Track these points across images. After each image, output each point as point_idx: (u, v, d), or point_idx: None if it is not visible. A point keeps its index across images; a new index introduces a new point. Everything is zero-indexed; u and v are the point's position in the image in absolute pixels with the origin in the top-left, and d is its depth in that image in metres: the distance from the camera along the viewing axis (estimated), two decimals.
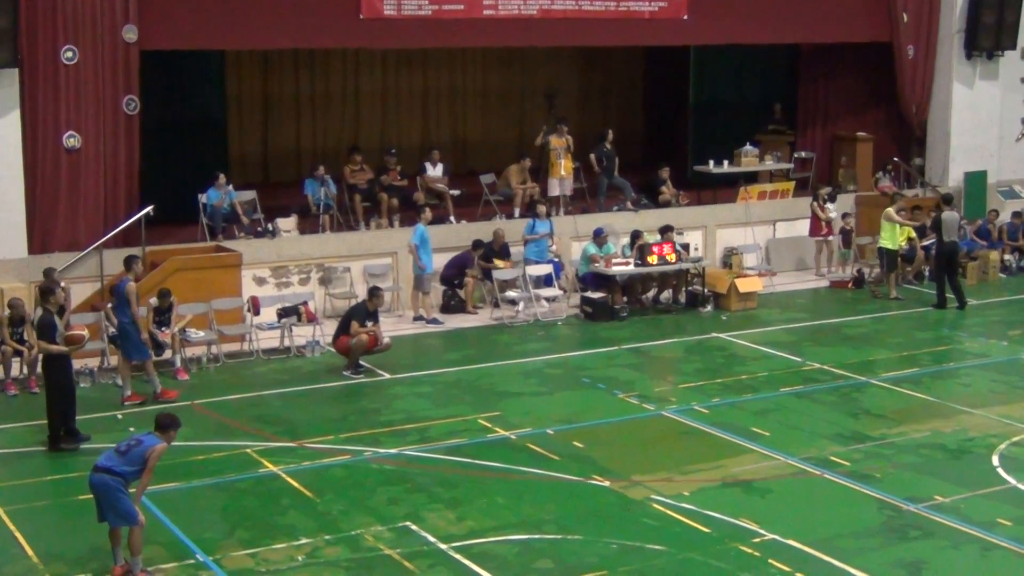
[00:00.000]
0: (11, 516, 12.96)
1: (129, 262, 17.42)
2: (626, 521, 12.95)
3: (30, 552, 12.13)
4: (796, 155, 27.76)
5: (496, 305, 21.82)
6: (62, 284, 17.97)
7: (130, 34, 20.09)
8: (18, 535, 12.50)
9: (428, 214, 21.57)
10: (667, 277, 22.62)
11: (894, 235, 23.13)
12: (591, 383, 17.88)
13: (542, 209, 21.73)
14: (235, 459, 14.74)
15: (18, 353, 17.40)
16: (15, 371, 17.57)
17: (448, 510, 13.14)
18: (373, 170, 23.56)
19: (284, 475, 14.18)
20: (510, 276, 22.00)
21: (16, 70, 19.01)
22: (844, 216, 25.20)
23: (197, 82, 23.47)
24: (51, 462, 14.75)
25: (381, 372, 18.40)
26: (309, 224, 22.31)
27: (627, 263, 22.09)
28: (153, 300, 18.39)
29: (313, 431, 15.75)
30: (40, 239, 19.75)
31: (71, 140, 19.79)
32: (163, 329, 18.25)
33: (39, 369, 16.59)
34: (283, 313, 19.84)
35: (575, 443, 15.24)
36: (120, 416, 16.30)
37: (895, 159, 27.22)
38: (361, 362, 18.43)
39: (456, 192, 23.78)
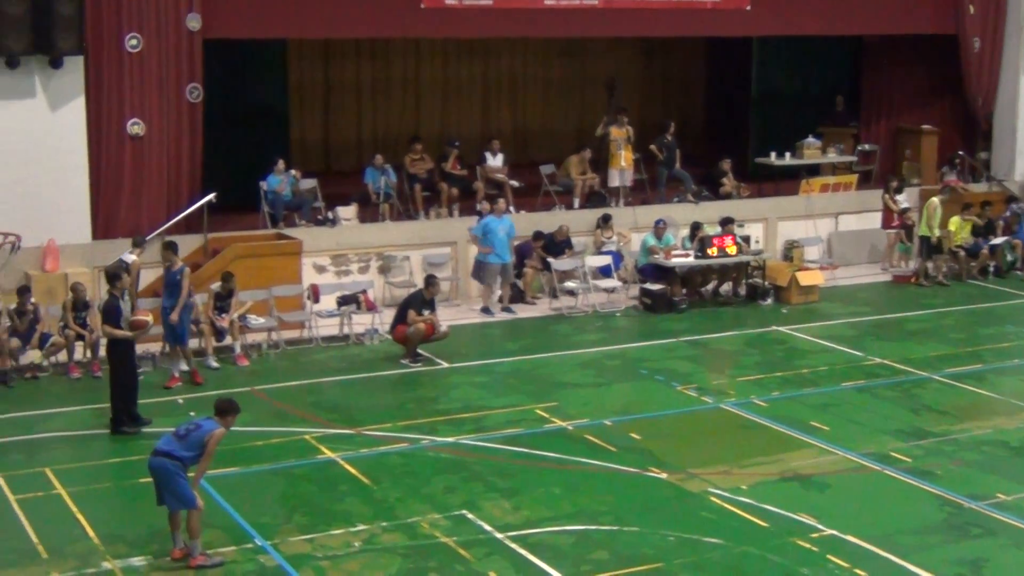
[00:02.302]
0: (73, 498, 13.12)
1: (168, 247, 17.60)
2: (683, 514, 12.90)
3: (91, 533, 12.27)
4: (859, 148, 27.50)
5: (555, 296, 21.78)
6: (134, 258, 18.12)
7: (194, 22, 20.23)
8: (80, 516, 12.66)
9: (501, 204, 21.53)
10: (727, 269, 22.49)
11: (936, 224, 23.46)
12: (649, 375, 17.83)
13: (501, 205, 21.54)
14: (293, 445, 14.83)
15: (80, 337, 17.59)
16: (79, 354, 17.77)
17: (504, 499, 13.15)
18: (433, 159, 23.57)
19: (342, 462, 14.25)
20: (569, 267, 21.95)
21: (81, 57, 19.20)
22: (905, 211, 24.95)
23: (259, 70, 23.59)
24: (113, 445, 14.92)
25: (439, 360, 18.44)
26: (369, 213, 22.38)
27: (687, 255, 21.99)
28: (215, 285, 18.55)
29: (371, 418, 15.81)
30: (103, 225, 19.95)
31: (135, 127, 19.98)
32: (222, 315, 18.40)
33: (103, 353, 16.82)
34: (342, 301, 19.93)
35: (632, 435, 15.20)
36: (181, 401, 16.45)
37: (960, 153, 26.90)
38: (419, 350, 18.47)
39: (516, 182, 23.77)
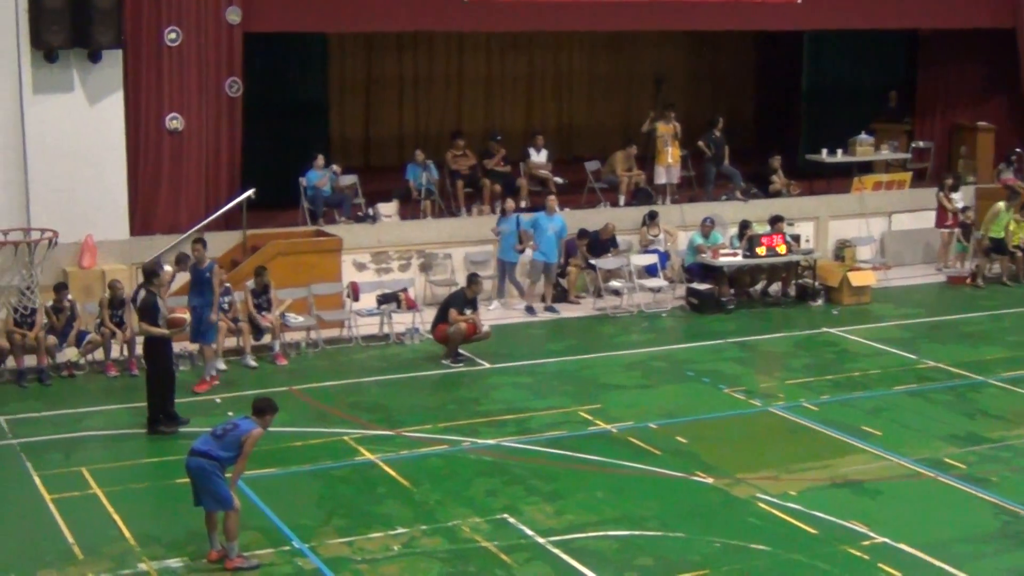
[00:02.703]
0: (110, 498, 13.21)
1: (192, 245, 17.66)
2: (730, 520, 12.84)
3: (127, 534, 12.35)
4: (913, 145, 27.28)
5: (599, 295, 21.75)
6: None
7: (234, 16, 20.32)
8: (116, 517, 12.74)
9: (552, 202, 21.48)
10: (776, 269, 22.37)
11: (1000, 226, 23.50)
12: (696, 377, 17.76)
13: (509, 205, 21.45)
14: (332, 446, 14.87)
15: (116, 334, 17.69)
16: (115, 352, 17.88)
17: (547, 503, 13.13)
18: (476, 155, 23.59)
19: (381, 463, 14.27)
20: (614, 265, 21.90)
21: (120, 51, 19.30)
22: (964, 210, 24.72)
23: (300, 65, 23.65)
24: (150, 445, 15.01)
25: (481, 361, 18.44)
26: (410, 210, 22.41)
27: (735, 254, 21.89)
28: (249, 283, 18.61)
29: (411, 420, 15.83)
30: (141, 221, 20.07)
31: (174, 122, 20.09)
32: (263, 313, 18.47)
33: (139, 351, 16.92)
34: (383, 299, 19.96)
35: (678, 438, 15.14)
36: (218, 400, 16.53)
37: (1017, 150, 26.62)
38: (460, 350, 18.48)
39: (560, 179, 23.73)
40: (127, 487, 13.68)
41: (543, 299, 21.48)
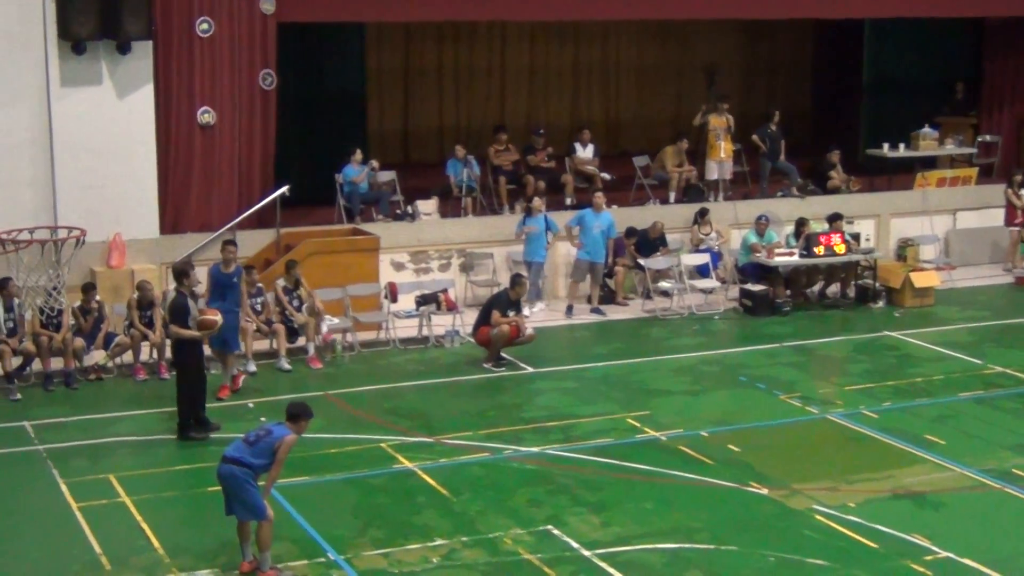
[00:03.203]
0: (138, 506, 13.29)
1: (222, 247, 17.69)
2: (785, 532, 12.78)
3: (156, 544, 12.42)
4: (980, 139, 27.08)
5: (648, 296, 21.70)
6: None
7: (267, 5, 20.42)
8: (144, 526, 12.82)
9: (600, 199, 21.45)
10: (835, 269, 22.26)
11: None
12: (749, 382, 17.70)
13: (537, 204, 21.36)
14: (369, 454, 14.91)
15: (146, 337, 17.82)
16: (144, 355, 18.01)
17: (593, 514, 13.12)
18: (519, 151, 23.61)
19: (420, 472, 14.30)
20: (664, 265, 21.86)
21: (150, 42, 19.44)
22: None
23: (336, 56, 23.73)
24: (180, 451, 15.10)
25: (524, 365, 18.45)
26: (451, 207, 22.45)
27: (791, 254, 21.80)
28: (280, 281, 18.66)
29: (451, 426, 15.85)
30: (172, 219, 20.21)
31: (205, 116, 20.21)
32: (296, 311, 18.51)
33: (169, 354, 17.03)
34: (422, 301, 20.00)
35: (731, 447, 15.10)
36: (251, 405, 16.60)
37: None
38: (503, 354, 18.49)
39: (607, 175, 23.71)
40: (156, 495, 13.75)
41: (588, 300, 21.45)
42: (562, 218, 21.61)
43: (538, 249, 21.07)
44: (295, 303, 18.62)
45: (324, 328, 18.61)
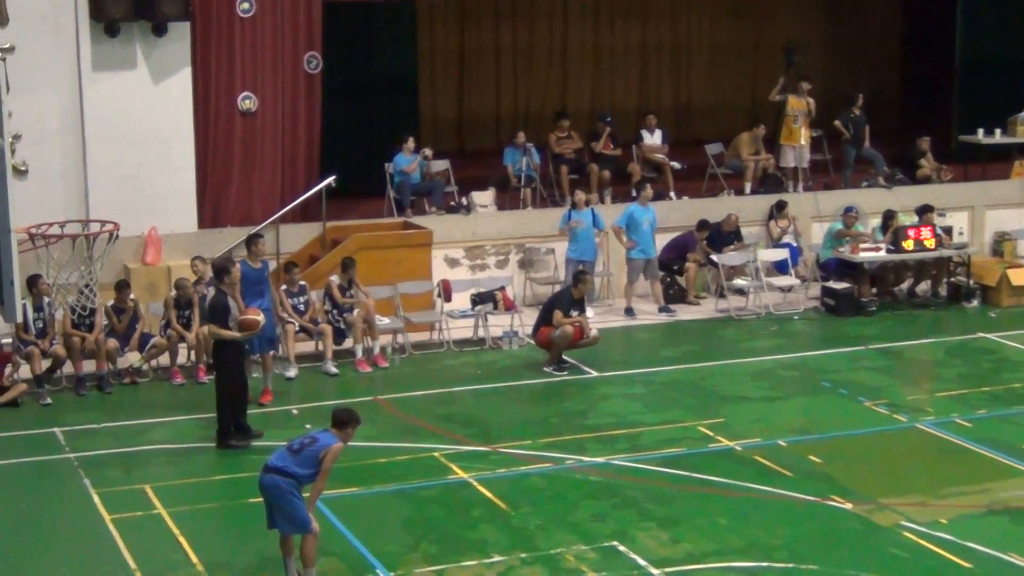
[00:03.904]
0: (175, 518, 13.38)
1: (249, 241, 17.73)
2: (870, 551, 12.71)
3: (194, 559, 12.50)
4: None
5: (721, 295, 21.64)
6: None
7: None
8: (182, 540, 12.91)
9: (648, 191, 21.43)
10: (925, 266, 22.11)
11: None
12: (832, 388, 17.62)
13: (580, 197, 21.22)
14: (421, 463, 14.95)
15: (184, 338, 17.94)
16: (182, 358, 18.14)
17: (662, 530, 13.09)
18: (582, 138, 23.58)
19: (475, 483, 14.32)
20: (739, 261, 21.78)
21: (187, 24, 19.57)
22: None
23: (385, 37, 23.76)
24: (219, 460, 15.20)
25: (587, 369, 18.44)
26: (508, 199, 22.46)
27: (877, 248, 21.67)
28: (334, 277, 18.72)
29: (509, 434, 15.87)
30: (211, 212, 20.35)
31: (246, 102, 20.33)
32: (344, 313, 18.58)
33: (208, 357, 17.15)
34: (478, 299, 20.03)
35: (811, 457, 15.03)
36: (295, 411, 16.70)
37: None
38: (565, 357, 18.49)
39: (677, 164, 23.64)
40: (194, 507, 13.86)
41: (656, 300, 21.37)
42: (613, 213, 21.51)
43: (588, 247, 20.97)
44: (348, 304, 18.65)
45: (377, 348, 18.64)
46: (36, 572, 12.38)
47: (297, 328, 18.20)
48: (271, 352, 17.26)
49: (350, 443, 11.99)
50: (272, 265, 19.76)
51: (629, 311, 21.19)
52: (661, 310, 21.25)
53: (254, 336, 15.94)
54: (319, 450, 11.63)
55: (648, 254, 21.19)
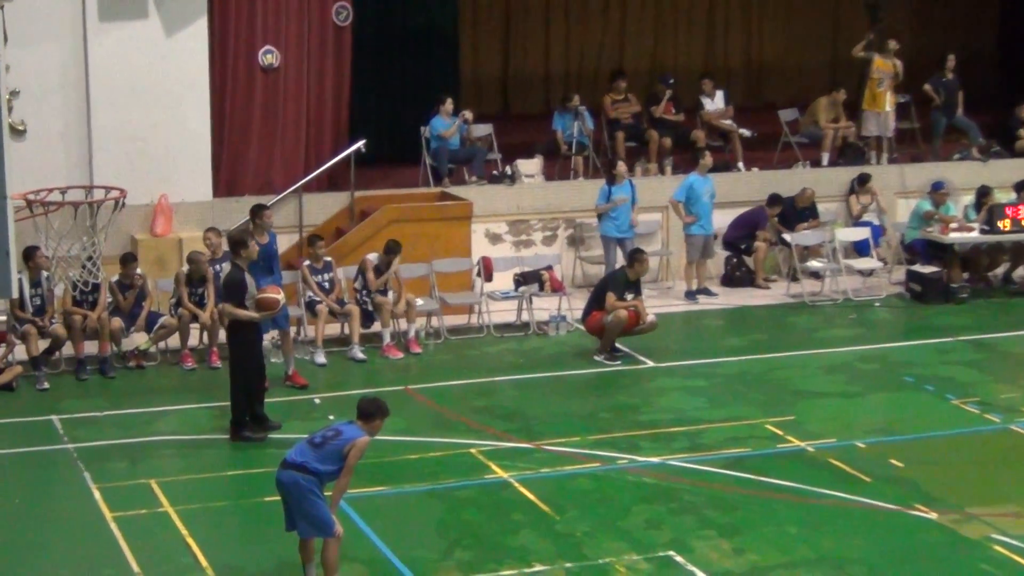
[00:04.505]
0: (184, 518, 13.42)
1: (254, 213, 17.66)
2: (958, 565, 12.67)
3: (204, 563, 12.54)
4: None
5: (794, 278, 21.57)
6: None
7: None
8: (191, 541, 12.94)
9: (708, 159, 21.36)
10: (1023, 249, 21.97)
11: None
12: (916, 384, 17.56)
13: (622, 169, 21.12)
14: (456, 460, 14.96)
15: (196, 318, 17.98)
16: (193, 340, 18.20)
17: (723, 539, 13.07)
18: (641, 101, 23.52)
19: (516, 484, 14.32)
20: (814, 241, 21.69)
21: None
22: None
23: None
24: (233, 454, 15.26)
25: (643, 359, 18.43)
26: (558, 168, 22.44)
27: (970, 229, 21.56)
28: (373, 256, 18.68)
29: (554, 430, 15.86)
30: (227, 179, 20.42)
31: (268, 57, 20.37)
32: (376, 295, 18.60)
33: (222, 339, 17.20)
34: (522, 280, 20.01)
35: (892, 461, 14.97)
36: (318, 400, 16.75)
37: None
38: (618, 345, 18.47)
39: (747, 132, 23.54)
40: (205, 505, 13.91)
41: (697, 280, 21.28)
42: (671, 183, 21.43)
43: (628, 223, 20.92)
44: (381, 289, 18.64)
45: (412, 332, 18.67)
46: (31, 575, 12.45)
47: (326, 308, 18.21)
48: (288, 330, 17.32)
49: (377, 437, 11.99)
50: (294, 239, 19.85)
51: (691, 294, 21.14)
52: (690, 294, 21.13)
53: (277, 313, 15.94)
54: (343, 444, 11.63)
55: (709, 230, 21.12)
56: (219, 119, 20.24)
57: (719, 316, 20.68)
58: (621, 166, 21.08)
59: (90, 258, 16.83)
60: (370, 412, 11.85)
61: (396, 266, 18.69)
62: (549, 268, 20.36)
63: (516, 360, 18.54)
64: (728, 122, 23.55)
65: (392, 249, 18.65)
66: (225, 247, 17.39)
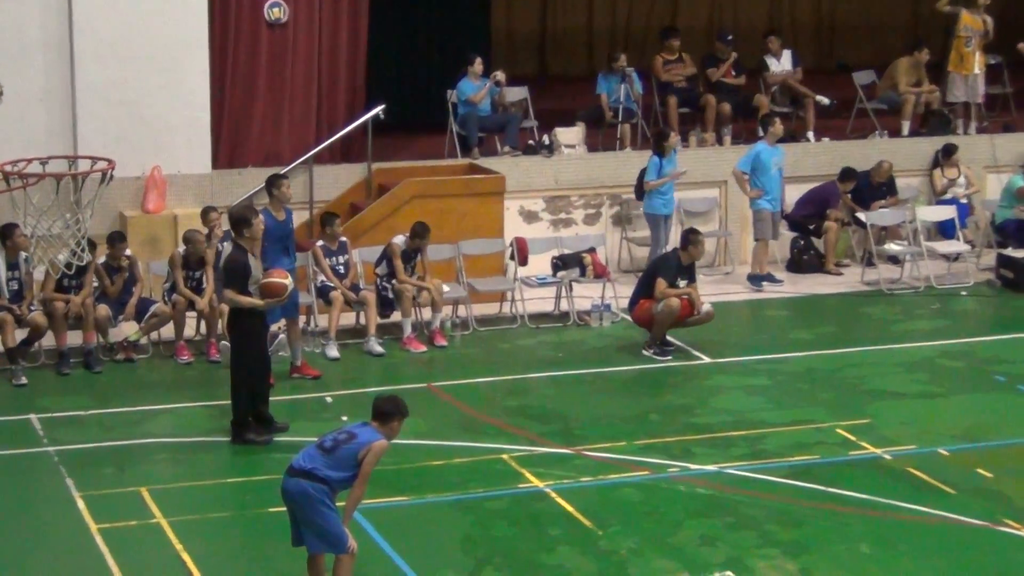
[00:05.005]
0: (178, 531, 13.42)
1: (271, 184, 17.59)
2: None
3: None
4: None
5: (869, 263, 21.51)
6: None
7: None
8: (186, 557, 12.95)
9: (778, 127, 21.30)
10: None
11: None
12: (1007, 384, 17.54)
13: (674, 140, 21.06)
14: (485, 467, 14.97)
15: (193, 305, 18.02)
16: (190, 330, 18.23)
17: (787, 558, 13.04)
18: (696, 62, 23.48)
19: (553, 494, 14.31)
20: (892, 221, 21.62)
21: None
22: None
23: None
24: (233, 458, 15.27)
25: (698, 354, 18.43)
26: (602, 137, 22.43)
27: None
28: (398, 239, 18.63)
29: (597, 434, 15.86)
30: (229, 148, 20.48)
31: (275, 11, 20.40)
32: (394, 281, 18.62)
33: (222, 329, 17.21)
34: (560, 264, 19.99)
35: (980, 471, 14.93)
36: (329, 399, 16.76)
37: None
38: (669, 338, 18.45)
39: (826, 100, 23.45)
40: (202, 516, 13.92)
41: (757, 266, 21.26)
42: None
43: (672, 198, 20.94)
44: (408, 274, 18.58)
45: (436, 322, 18.69)
46: None
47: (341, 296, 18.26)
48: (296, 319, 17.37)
49: (396, 440, 11.99)
50: (304, 216, 19.85)
51: (756, 280, 21.10)
52: (756, 279, 21.10)
53: (284, 300, 15.92)
54: (358, 449, 11.62)
55: (776, 206, 21.07)
56: (220, 81, 20.27)
57: (784, 306, 20.68)
58: (674, 137, 21.06)
59: (78, 242, 16.83)
60: (387, 412, 11.83)
61: (424, 250, 18.68)
62: (591, 250, 20.32)
63: (554, 354, 18.56)
64: (796, 85, 23.44)
65: (419, 233, 18.63)
66: (227, 225, 17.37)
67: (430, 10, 23.15)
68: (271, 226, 16.92)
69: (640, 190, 20.78)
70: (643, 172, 20.68)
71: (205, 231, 18.32)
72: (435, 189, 20.13)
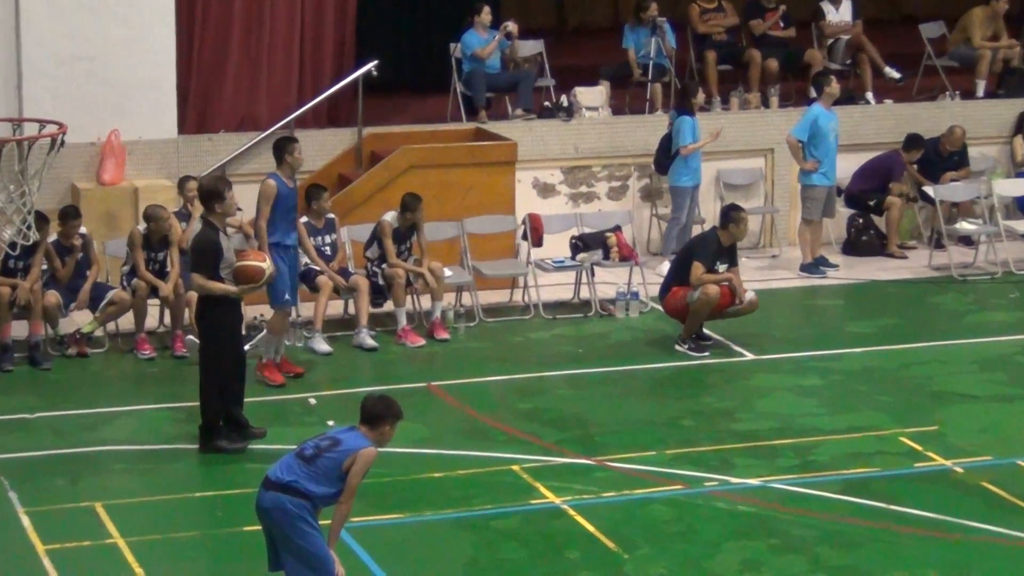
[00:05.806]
0: (138, 553, 13.42)
1: (282, 148, 17.57)
2: None
3: None
4: None
5: (938, 244, 21.50)
6: None
7: None
8: None
9: (835, 87, 21.26)
10: None
11: None
12: None
13: (701, 97, 21.10)
14: (493, 480, 14.98)
15: (156, 292, 18.01)
16: (152, 321, 18.23)
17: None
18: (739, 12, 23.45)
19: (571, 511, 14.31)
20: (965, 196, 21.61)
21: None
22: None
23: None
24: (202, 468, 15.30)
25: (739, 349, 18.47)
26: (629, 98, 22.42)
27: None
28: (389, 216, 18.62)
29: (621, 441, 15.88)
30: (197, 111, 20.52)
31: None
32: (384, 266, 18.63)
33: (190, 319, 17.22)
34: (581, 245, 19.98)
35: None
36: (313, 400, 16.76)
37: None
38: (706, 331, 18.45)
39: (891, 72, 23.41)
40: (165, 535, 13.89)
41: (810, 251, 21.26)
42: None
43: (699, 167, 20.97)
44: (403, 256, 18.61)
45: (437, 312, 18.68)
46: None
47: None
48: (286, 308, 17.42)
49: (388, 448, 11.99)
50: None
51: (809, 267, 21.09)
52: (809, 267, 21.08)
53: (262, 286, 15.88)
54: (343, 457, 11.61)
55: (831, 180, 21.04)
56: (187, 33, 20.30)
57: (839, 294, 20.74)
58: (702, 94, 21.10)
59: (23, 217, 16.80)
60: (377, 414, 11.80)
61: (420, 227, 18.67)
62: (616, 229, 20.32)
63: (572, 350, 18.59)
64: (857, 36, 23.39)
65: (410, 204, 18.61)
66: None
67: None
68: (284, 194, 17.10)
69: (662, 162, 20.76)
70: (665, 138, 20.68)
71: (176, 207, 18.29)
72: (436, 158, 20.15)
